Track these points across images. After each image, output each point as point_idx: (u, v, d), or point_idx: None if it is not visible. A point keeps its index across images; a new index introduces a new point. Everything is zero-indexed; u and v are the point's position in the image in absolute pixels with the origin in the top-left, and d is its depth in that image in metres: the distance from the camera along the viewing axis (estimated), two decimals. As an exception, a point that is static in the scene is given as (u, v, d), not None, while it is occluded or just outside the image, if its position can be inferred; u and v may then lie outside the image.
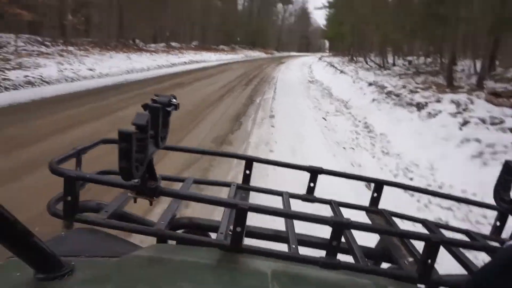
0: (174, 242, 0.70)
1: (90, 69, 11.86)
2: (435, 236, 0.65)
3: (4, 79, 8.33)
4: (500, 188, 0.77)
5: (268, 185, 0.98)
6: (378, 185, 0.92)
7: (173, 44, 29.60)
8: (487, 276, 0.53)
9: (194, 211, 1.48)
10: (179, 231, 0.79)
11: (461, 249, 0.73)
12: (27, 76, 9.03)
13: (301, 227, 0.77)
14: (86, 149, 0.74)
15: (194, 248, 0.65)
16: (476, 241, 0.79)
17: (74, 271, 0.53)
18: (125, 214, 0.79)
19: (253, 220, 0.71)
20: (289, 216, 0.71)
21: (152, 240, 0.71)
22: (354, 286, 0.63)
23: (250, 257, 0.63)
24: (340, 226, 0.62)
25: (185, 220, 0.84)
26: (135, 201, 0.67)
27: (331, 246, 0.63)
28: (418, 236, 0.66)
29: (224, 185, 0.95)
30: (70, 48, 15.87)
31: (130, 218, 0.80)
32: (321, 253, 0.66)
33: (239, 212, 0.61)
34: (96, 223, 0.64)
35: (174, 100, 0.60)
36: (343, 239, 0.66)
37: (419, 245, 0.69)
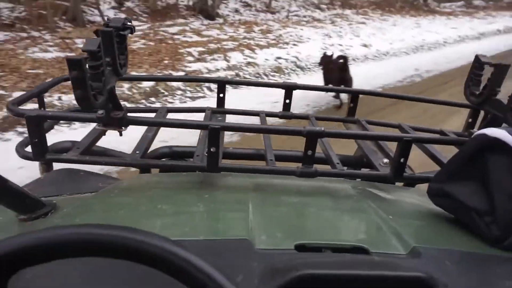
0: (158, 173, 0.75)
1: (364, 45, 8.40)
2: (407, 135, 0.67)
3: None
4: (470, 84, 0.82)
5: None
6: (354, 95, 0.95)
7: (475, 2, 22.27)
8: (455, 166, 0.55)
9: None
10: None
11: (434, 147, 0.78)
12: (279, 58, 6.45)
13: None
14: (46, 88, 0.72)
15: (174, 174, 0.69)
16: (446, 136, 0.83)
17: (56, 209, 0.54)
18: (99, 149, 0.78)
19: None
20: (263, 130, 0.75)
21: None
22: (332, 191, 0.66)
23: (229, 176, 0.66)
24: (314, 135, 0.63)
25: (166, 149, 0.87)
26: (104, 134, 0.70)
27: (307, 155, 0.64)
28: (390, 137, 0.70)
29: (198, 111, 0.95)
30: (347, 11, 12.91)
31: (104, 152, 0.80)
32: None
33: (212, 132, 0.60)
34: (68, 160, 0.63)
35: (129, 23, 0.58)
36: (320, 150, 0.72)
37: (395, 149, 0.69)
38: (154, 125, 0.71)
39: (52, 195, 0.60)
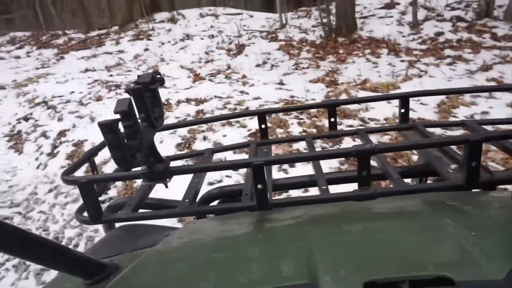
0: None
1: None
2: (473, 135, 0.57)
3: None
4: None
5: None
6: (404, 99, 0.86)
7: None
8: None
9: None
10: (215, 203, 0.80)
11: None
12: None
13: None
14: (96, 151, 0.74)
15: (226, 216, 0.66)
16: None
17: (118, 269, 0.54)
18: (150, 202, 0.79)
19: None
20: (309, 158, 0.70)
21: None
22: (397, 211, 0.59)
23: (282, 210, 0.62)
24: (365, 154, 0.58)
25: (216, 191, 0.85)
26: (152, 187, 0.72)
27: (361, 176, 0.59)
28: (453, 141, 0.61)
29: (243, 146, 0.94)
30: None
31: (155, 205, 0.80)
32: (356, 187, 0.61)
33: (255, 169, 0.59)
34: (121, 219, 0.64)
35: (158, 76, 0.58)
36: (376, 165, 0.65)
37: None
38: (197, 172, 0.71)
39: (114, 254, 0.60)
